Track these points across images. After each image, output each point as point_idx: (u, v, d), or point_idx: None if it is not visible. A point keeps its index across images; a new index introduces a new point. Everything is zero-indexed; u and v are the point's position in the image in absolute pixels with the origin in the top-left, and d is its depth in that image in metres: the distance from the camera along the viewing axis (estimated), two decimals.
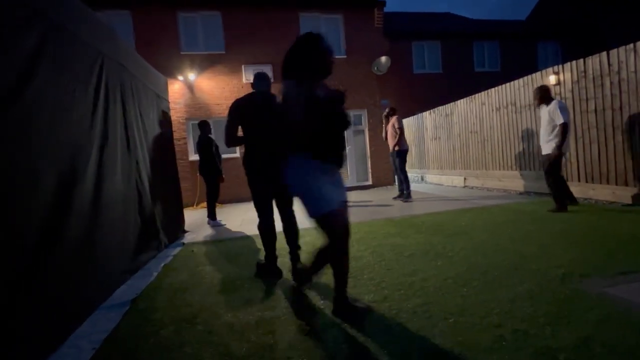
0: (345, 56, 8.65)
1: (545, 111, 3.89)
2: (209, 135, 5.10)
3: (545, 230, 3.09)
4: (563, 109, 3.72)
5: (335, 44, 8.76)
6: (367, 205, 5.77)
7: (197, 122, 8.13)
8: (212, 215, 4.95)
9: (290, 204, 2.51)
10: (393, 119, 5.77)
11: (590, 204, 4.16)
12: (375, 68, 8.74)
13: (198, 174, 5.32)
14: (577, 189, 4.52)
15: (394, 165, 5.95)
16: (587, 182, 4.40)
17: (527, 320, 1.51)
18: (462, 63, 12.13)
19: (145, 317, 1.94)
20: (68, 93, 2.03)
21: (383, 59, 8.65)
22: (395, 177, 6.34)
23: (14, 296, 1.45)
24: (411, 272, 2.27)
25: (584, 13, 13.69)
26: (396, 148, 5.67)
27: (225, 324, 1.75)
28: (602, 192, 4.18)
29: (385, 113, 6.08)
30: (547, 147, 3.88)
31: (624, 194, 3.88)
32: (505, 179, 5.91)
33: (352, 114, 8.76)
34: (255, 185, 2.46)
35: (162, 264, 3.02)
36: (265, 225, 2.47)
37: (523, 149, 5.47)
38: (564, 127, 3.66)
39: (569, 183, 4.61)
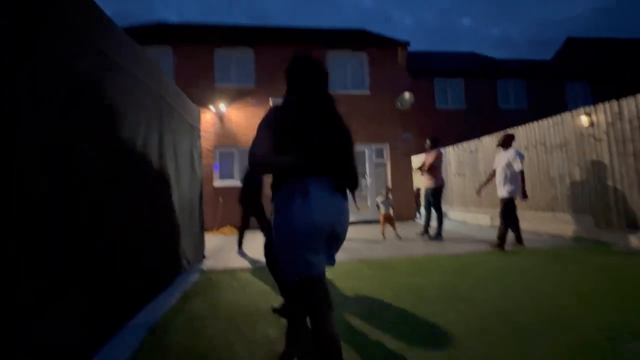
0: (369, 92, 8.92)
1: (502, 156, 4.43)
2: None
3: (585, 278, 2.85)
4: (521, 157, 4.27)
5: (359, 80, 9.15)
6: (387, 240, 5.61)
7: (224, 150, 8.46)
8: (240, 244, 5.00)
9: None
10: (433, 154, 5.45)
11: (631, 252, 3.83)
12: (399, 104, 8.91)
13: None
14: (617, 235, 4.20)
15: (427, 201, 5.60)
16: (629, 228, 4.08)
17: None
18: (486, 100, 12.13)
19: (161, 348, 1.91)
20: (112, 119, 2.20)
21: (406, 94, 8.83)
22: (419, 212, 6.07)
23: (49, 308, 1.49)
24: (432, 316, 2.13)
25: (611, 54, 13.55)
26: (432, 184, 5.38)
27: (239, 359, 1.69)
28: None
29: (428, 145, 5.70)
30: (501, 190, 4.38)
31: None
32: (536, 221, 5.61)
33: (373, 147, 8.86)
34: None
35: (181, 290, 3.02)
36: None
37: (555, 190, 5.23)
38: (523, 174, 4.24)
39: (608, 229, 4.31)
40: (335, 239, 1.29)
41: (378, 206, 5.82)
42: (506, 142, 4.49)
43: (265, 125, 1.27)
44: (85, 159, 1.84)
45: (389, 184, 8.83)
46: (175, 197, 3.47)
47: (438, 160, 5.44)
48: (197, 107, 4.82)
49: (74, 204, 1.74)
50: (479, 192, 4.90)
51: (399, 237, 5.53)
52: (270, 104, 8.36)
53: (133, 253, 2.41)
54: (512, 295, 2.53)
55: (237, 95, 8.40)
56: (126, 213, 2.32)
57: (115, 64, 2.26)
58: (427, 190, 5.56)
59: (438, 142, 5.66)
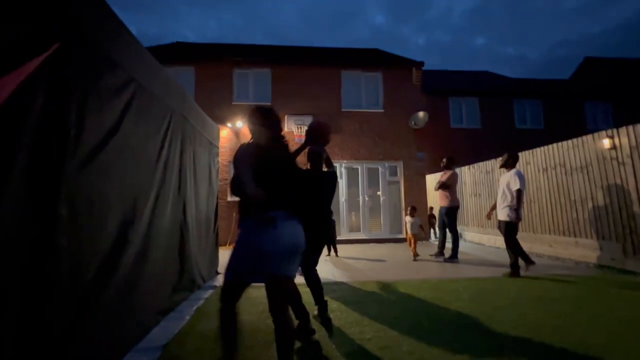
0: (382, 110, 9.00)
1: (504, 177, 4.32)
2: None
3: (615, 313, 2.69)
4: (521, 177, 4.13)
5: (373, 99, 9.27)
6: (401, 260, 5.50)
7: None
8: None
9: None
10: (448, 174, 5.43)
11: None
12: (413, 122, 8.93)
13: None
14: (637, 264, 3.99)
15: (441, 220, 5.55)
16: None
17: None
18: (502, 119, 12.00)
19: None
20: (141, 142, 2.30)
21: (420, 114, 8.86)
22: (434, 233, 5.96)
23: (67, 329, 1.52)
24: (455, 350, 2.05)
25: (632, 75, 13.29)
26: (447, 204, 5.33)
27: None
28: None
29: (443, 164, 5.67)
30: (501, 213, 4.26)
31: None
32: (557, 245, 5.40)
33: (387, 165, 8.84)
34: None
35: (195, 307, 3.03)
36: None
37: (577, 214, 5.05)
38: (519, 193, 4.06)
39: (635, 257, 4.12)
40: (297, 254, 1.65)
41: (406, 226, 5.68)
42: (508, 163, 4.37)
43: (248, 162, 1.60)
44: (117, 176, 1.93)
45: (403, 202, 8.74)
46: (192, 213, 3.54)
47: (451, 179, 5.41)
48: (216, 125, 4.97)
49: (104, 221, 1.81)
50: (489, 216, 4.79)
51: (415, 257, 5.42)
52: (286, 120, 8.54)
53: (150, 268, 2.45)
54: (534, 327, 2.42)
55: None
56: (147, 228, 2.38)
57: (149, 93, 2.39)
58: (441, 209, 5.51)
59: (453, 162, 5.66)
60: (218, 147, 4.98)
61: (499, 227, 4.38)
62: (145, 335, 2.33)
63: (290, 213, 1.65)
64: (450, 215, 5.35)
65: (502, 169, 4.51)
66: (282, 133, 1.93)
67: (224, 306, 1.65)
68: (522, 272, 4.13)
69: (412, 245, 5.57)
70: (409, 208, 5.84)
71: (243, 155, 1.62)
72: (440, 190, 5.51)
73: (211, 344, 2.23)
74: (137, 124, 2.22)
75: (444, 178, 5.45)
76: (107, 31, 1.90)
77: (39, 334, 1.38)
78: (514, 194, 4.11)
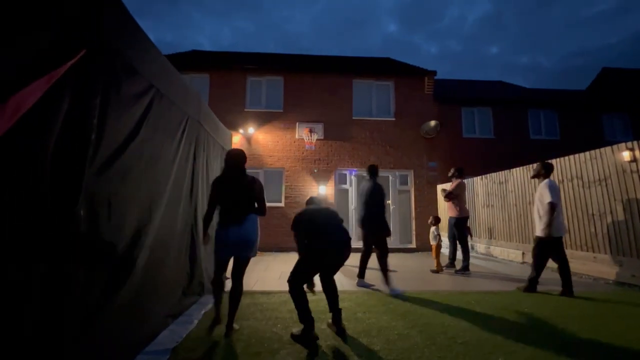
0: (394, 118, 8.98)
1: (538, 188, 4.03)
2: (379, 183, 4.44)
3: (637, 332, 2.58)
4: (552, 188, 3.81)
5: (385, 107, 9.28)
6: (411, 271, 5.41)
7: (250, 171, 8.72)
8: (362, 273, 4.41)
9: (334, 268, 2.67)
10: (456, 183, 5.42)
11: None
12: (424, 131, 8.88)
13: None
14: None
15: (451, 232, 5.45)
16: None
17: None
18: (517, 130, 11.80)
19: None
20: (157, 147, 2.36)
21: (432, 122, 8.81)
22: (451, 245, 5.76)
23: (80, 328, 1.55)
24: None
25: None
26: (456, 214, 5.28)
27: None
28: None
29: (450, 174, 5.65)
30: (537, 227, 3.94)
31: None
32: (574, 260, 5.22)
33: (397, 174, 8.79)
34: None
35: (203, 311, 3.04)
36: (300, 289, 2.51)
37: (595, 228, 4.89)
38: (551, 206, 3.73)
39: None
40: (240, 244, 2.59)
41: (432, 236, 5.36)
42: (540, 173, 4.06)
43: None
44: (134, 180, 1.98)
45: (413, 211, 8.64)
46: (201, 217, 3.58)
47: (458, 189, 5.36)
48: (229, 131, 5.06)
49: (120, 224, 1.85)
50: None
51: (437, 269, 5.21)
52: (297, 127, 8.61)
53: (162, 272, 2.48)
54: (548, 344, 2.33)
55: (266, 119, 8.74)
56: (160, 231, 2.42)
57: (166, 100, 2.46)
58: (450, 220, 5.44)
59: (462, 172, 5.59)
60: None
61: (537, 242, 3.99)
62: (155, 338, 2.35)
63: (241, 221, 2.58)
64: (459, 226, 5.27)
65: (538, 180, 4.13)
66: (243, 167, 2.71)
67: (215, 276, 2.69)
68: (538, 288, 3.99)
69: (434, 255, 5.35)
70: (432, 218, 5.52)
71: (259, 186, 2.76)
72: (449, 201, 5.43)
73: (220, 347, 2.23)
74: (155, 130, 2.28)
75: (452, 187, 5.40)
76: (128, 38, 1.97)
77: (53, 333, 1.41)
78: (546, 208, 3.76)
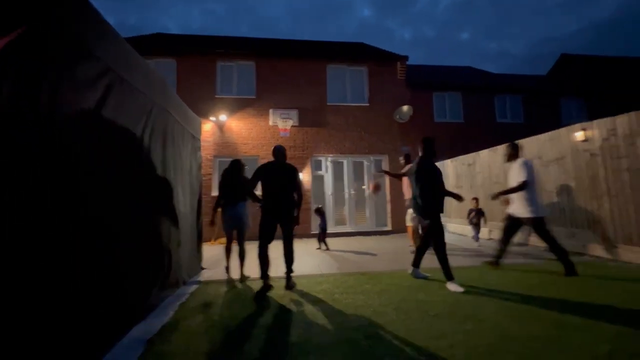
0: (368, 104, 9.04)
1: (512, 168, 4.00)
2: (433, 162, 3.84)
3: (583, 296, 2.85)
4: (527, 166, 3.81)
5: (359, 93, 9.30)
6: (387, 252, 5.60)
7: (224, 159, 8.48)
8: (417, 262, 3.82)
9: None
10: (408, 168, 5.56)
11: (628, 268, 3.84)
12: (397, 116, 9.02)
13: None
14: (613, 251, 4.23)
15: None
16: (624, 244, 4.11)
17: None
18: (484, 114, 12.30)
19: None
20: (120, 135, 2.23)
21: (405, 107, 8.95)
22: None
23: (31, 328, 1.48)
24: (438, 335, 2.12)
25: (605, 72, 13.88)
26: (409, 197, 5.40)
27: None
28: None
29: (402, 161, 5.90)
30: (517, 210, 3.89)
31: None
32: (534, 234, 5.63)
33: (372, 159, 8.93)
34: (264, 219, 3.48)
35: (179, 303, 2.99)
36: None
37: (552, 204, 5.27)
38: (522, 184, 3.76)
39: (603, 244, 4.35)
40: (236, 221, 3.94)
41: (409, 217, 5.40)
42: (511, 155, 4.06)
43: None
44: (90, 170, 1.86)
45: (388, 195, 8.86)
46: (175, 208, 3.47)
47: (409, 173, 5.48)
48: (198, 117, 4.87)
49: (83, 215, 1.75)
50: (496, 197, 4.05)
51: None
52: (270, 114, 8.45)
53: (134, 264, 2.40)
54: (514, 312, 2.53)
55: (238, 106, 8.49)
56: (129, 223, 2.32)
57: (128, 85, 2.31)
58: (407, 203, 5.58)
59: (410, 158, 5.80)
60: (200, 140, 4.88)
61: (509, 220, 4.00)
62: (130, 330, 2.29)
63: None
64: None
65: (510, 163, 4.07)
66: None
67: (227, 244, 4.15)
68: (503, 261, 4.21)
69: (411, 236, 5.51)
70: (408, 200, 5.57)
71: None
72: (405, 184, 5.53)
73: (196, 338, 2.21)
74: (116, 117, 2.14)
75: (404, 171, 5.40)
76: (80, 17, 1.81)
77: (29, 329, 1.34)
78: (519, 185, 3.75)
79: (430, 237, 3.54)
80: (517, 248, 4.11)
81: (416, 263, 3.79)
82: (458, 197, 3.76)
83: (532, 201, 3.79)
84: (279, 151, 3.61)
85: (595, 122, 4.60)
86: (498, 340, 2.02)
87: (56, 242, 1.58)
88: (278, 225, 3.46)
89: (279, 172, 3.50)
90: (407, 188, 5.49)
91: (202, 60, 8.58)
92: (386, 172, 5.36)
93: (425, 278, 3.70)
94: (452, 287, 3.22)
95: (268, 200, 3.44)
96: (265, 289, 3.26)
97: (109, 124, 2.06)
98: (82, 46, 1.81)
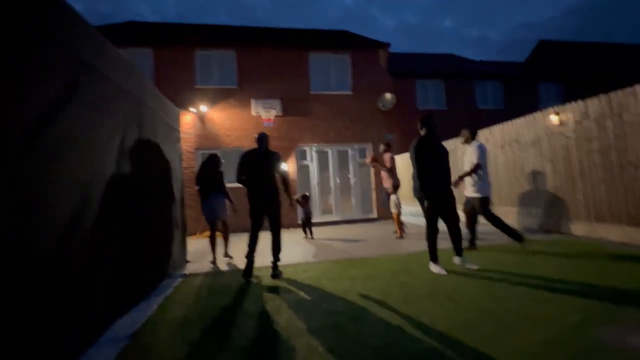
0: (351, 92, 9.00)
1: (467, 151, 4.24)
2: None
3: (557, 271, 3.00)
4: (481, 150, 4.05)
5: (342, 81, 9.23)
6: (373, 239, 5.68)
7: (206, 152, 8.31)
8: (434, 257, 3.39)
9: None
10: (386, 156, 5.78)
11: (601, 244, 4.06)
12: (381, 104, 9.04)
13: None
14: (587, 229, 4.44)
15: (386, 200, 5.87)
16: (597, 222, 4.32)
17: None
18: (465, 100, 12.51)
19: (143, 355, 1.87)
20: (92, 125, 2.13)
21: (388, 95, 8.98)
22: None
23: (19, 324, 1.43)
24: (420, 314, 2.19)
25: (582, 57, 14.29)
26: (395, 184, 5.65)
27: None
28: (614, 233, 4.09)
29: (382, 149, 6.02)
30: (470, 190, 4.15)
31: (637, 235, 3.79)
32: (511, 216, 5.84)
33: (356, 147, 8.96)
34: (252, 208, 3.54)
35: (164, 296, 2.96)
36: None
37: (530, 185, 5.46)
38: (476, 166, 4.01)
39: (578, 222, 4.56)
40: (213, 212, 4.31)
41: (393, 204, 5.51)
42: (468, 138, 4.29)
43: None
44: (62, 165, 1.78)
45: (373, 183, 8.95)
46: (156, 201, 3.39)
47: (393, 162, 5.72)
48: (176, 108, 4.73)
49: (55, 210, 1.68)
50: (456, 184, 4.06)
51: (399, 234, 5.49)
52: (252, 104, 8.30)
53: (111, 259, 2.34)
54: (491, 290, 2.63)
55: (219, 97, 8.28)
56: (104, 217, 2.25)
57: (97, 73, 2.20)
58: (385, 190, 5.87)
59: (390, 147, 5.95)
60: (179, 132, 4.76)
61: (467, 205, 4.25)
62: (111, 326, 2.25)
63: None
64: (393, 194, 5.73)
65: (465, 145, 4.37)
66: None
67: (211, 232, 4.31)
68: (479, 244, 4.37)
69: (396, 223, 5.61)
70: (391, 187, 5.68)
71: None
72: (383, 173, 5.74)
73: (182, 329, 2.20)
74: (86, 106, 2.05)
75: (389, 162, 5.65)
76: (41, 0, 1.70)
77: None
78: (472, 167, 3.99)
79: (427, 220, 3.40)
80: (491, 228, 4.19)
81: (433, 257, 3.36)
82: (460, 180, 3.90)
83: (481, 182, 4.05)
84: (262, 138, 3.64)
85: (568, 105, 4.75)
86: (476, 316, 2.11)
87: (22, 238, 1.51)
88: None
89: (263, 160, 3.53)
90: (386, 178, 5.66)
91: (180, 50, 8.27)
92: (374, 165, 5.47)
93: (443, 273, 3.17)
94: (434, 268, 3.29)
95: (252, 188, 3.46)
96: (246, 272, 3.36)
97: (76, 113, 1.96)
98: (42, 30, 1.70)
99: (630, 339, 1.67)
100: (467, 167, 4.19)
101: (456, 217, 3.41)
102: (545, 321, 1.96)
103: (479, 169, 4.03)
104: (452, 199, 3.42)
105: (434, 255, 3.37)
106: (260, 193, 3.45)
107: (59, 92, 1.78)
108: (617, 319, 1.92)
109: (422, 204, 3.49)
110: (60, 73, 1.81)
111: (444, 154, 3.49)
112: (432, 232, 3.38)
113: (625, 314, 1.98)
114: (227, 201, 4.45)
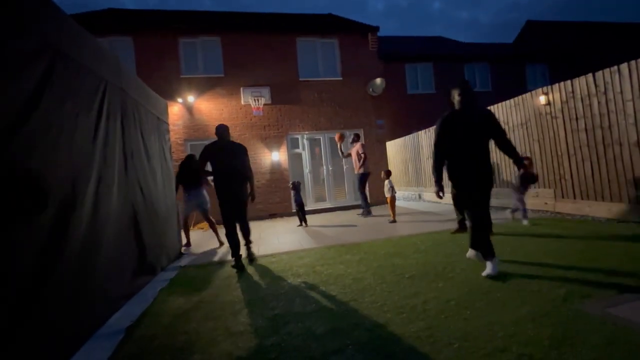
0: (340, 78, 8.89)
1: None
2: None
3: (544, 249, 3.09)
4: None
5: (331, 66, 9.09)
6: (366, 224, 5.75)
7: (196, 143, 8.18)
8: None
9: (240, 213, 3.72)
10: (357, 146, 6.42)
11: (586, 220, 4.19)
12: (371, 89, 8.97)
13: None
14: (572, 206, 4.57)
15: (357, 185, 6.60)
16: (582, 199, 4.45)
17: (532, 344, 1.49)
18: (454, 83, 12.47)
19: (141, 347, 1.88)
20: (70, 118, 2.06)
21: (378, 80, 8.90)
22: (360, 195, 6.92)
23: (10, 323, 1.41)
24: (413, 295, 2.25)
25: (569, 38, 14.34)
26: (361, 171, 6.35)
27: (223, 353, 1.70)
28: (598, 210, 4.22)
29: (351, 140, 6.75)
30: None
31: (620, 211, 3.92)
32: (501, 197, 5.96)
33: (348, 133, 8.95)
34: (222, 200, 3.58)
35: (159, 288, 2.96)
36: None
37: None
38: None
39: (564, 200, 4.67)
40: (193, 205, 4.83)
41: (386, 189, 5.59)
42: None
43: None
44: (47, 156, 1.72)
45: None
46: (146, 193, 3.34)
47: (365, 149, 6.42)
48: (163, 99, 4.61)
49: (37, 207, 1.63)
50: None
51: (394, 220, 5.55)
52: (241, 93, 8.14)
53: (102, 254, 2.31)
54: (482, 269, 2.70)
55: (206, 86, 8.09)
56: (92, 212, 2.21)
57: (73, 62, 2.11)
58: (356, 175, 6.57)
59: (359, 137, 6.69)
60: (167, 123, 4.66)
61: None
62: (106, 321, 2.25)
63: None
64: (362, 180, 6.43)
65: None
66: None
67: (185, 221, 4.87)
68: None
69: (390, 208, 5.68)
70: (383, 172, 5.86)
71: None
72: (355, 160, 6.46)
73: (178, 320, 2.21)
74: (63, 97, 1.97)
75: (362, 149, 6.34)
76: None
77: None
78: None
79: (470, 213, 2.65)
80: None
81: (485, 252, 2.53)
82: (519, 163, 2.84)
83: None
84: (220, 130, 3.66)
85: (555, 85, 4.80)
86: (466, 293, 2.17)
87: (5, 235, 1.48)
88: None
89: (225, 151, 3.57)
90: (356, 162, 6.45)
91: (162, 37, 7.99)
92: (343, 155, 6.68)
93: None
94: (489, 269, 2.45)
95: (218, 180, 3.52)
96: (237, 265, 3.40)
97: (56, 105, 1.89)
98: (15, 20, 1.61)
99: (611, 309, 1.75)
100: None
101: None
102: (533, 295, 2.03)
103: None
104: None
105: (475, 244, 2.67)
106: (228, 185, 3.51)
107: (34, 82, 1.71)
108: (599, 293, 2.01)
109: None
110: (35, 63, 1.73)
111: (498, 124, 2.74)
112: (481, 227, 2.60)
113: (607, 288, 2.06)
114: (205, 192, 4.85)
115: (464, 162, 2.59)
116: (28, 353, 1.49)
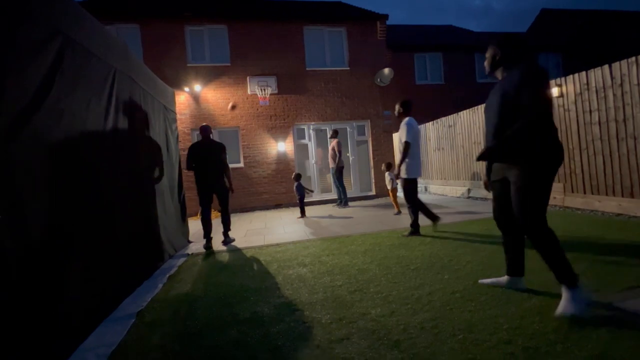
0: (348, 68, 8.77)
1: (400, 127, 3.81)
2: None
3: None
4: (410, 127, 3.65)
5: (338, 56, 8.97)
6: (370, 215, 5.76)
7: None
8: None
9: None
10: (334, 142, 6.82)
11: (595, 216, 4.13)
12: (379, 79, 8.84)
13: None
14: (582, 201, 4.50)
15: (333, 178, 7.10)
16: (592, 194, 4.38)
17: (537, 337, 1.49)
18: (464, 74, 12.25)
19: (151, 331, 1.94)
20: (82, 105, 2.08)
21: (386, 70, 8.76)
22: (335, 187, 7.46)
23: (24, 303, 1.46)
24: (418, 286, 2.26)
25: (584, 27, 13.88)
26: (336, 166, 6.81)
27: (230, 339, 1.74)
28: (608, 205, 4.15)
29: (329, 135, 7.25)
30: (401, 169, 3.77)
31: (631, 206, 3.86)
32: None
33: (355, 124, 8.87)
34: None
35: (167, 275, 3.02)
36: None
37: None
38: (406, 145, 3.63)
39: (574, 195, 4.61)
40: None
41: (388, 180, 5.69)
42: (400, 113, 3.86)
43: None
44: (59, 144, 1.75)
45: (372, 161, 8.94)
46: (153, 183, 3.38)
47: (340, 147, 6.85)
48: (170, 88, 4.61)
49: (51, 193, 1.67)
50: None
51: (399, 211, 5.54)
52: (248, 82, 8.10)
53: (115, 240, 2.36)
54: (485, 260, 2.70)
55: (213, 75, 8.06)
56: (104, 199, 2.25)
57: (83, 49, 2.11)
58: (332, 170, 7.00)
59: (337, 133, 7.05)
60: (175, 112, 4.67)
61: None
62: (118, 305, 2.31)
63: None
64: (338, 173, 6.89)
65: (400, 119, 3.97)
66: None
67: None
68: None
69: (393, 199, 5.72)
70: (384, 165, 5.94)
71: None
72: (330, 157, 6.90)
73: (187, 306, 2.26)
74: (74, 85, 1.98)
75: (338, 147, 6.75)
76: None
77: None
78: (402, 147, 3.68)
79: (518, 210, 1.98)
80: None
81: (514, 270, 2.10)
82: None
83: (408, 162, 3.71)
84: (203, 130, 4.24)
85: (569, 77, 4.67)
86: (472, 286, 2.17)
87: (20, 222, 1.52)
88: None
89: (205, 150, 4.12)
90: (331, 157, 6.84)
91: (168, 25, 7.94)
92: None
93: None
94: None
95: (198, 175, 4.13)
96: (206, 246, 4.01)
97: (68, 92, 1.91)
98: (23, 6, 1.61)
99: (618, 304, 1.74)
100: (398, 145, 3.90)
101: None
102: (537, 290, 2.03)
103: (409, 147, 3.67)
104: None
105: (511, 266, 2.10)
106: (205, 180, 4.12)
107: (47, 69, 1.72)
108: (606, 287, 1.99)
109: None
110: (46, 50, 1.74)
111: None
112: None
113: (614, 282, 2.05)
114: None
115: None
116: (38, 336, 1.55)
